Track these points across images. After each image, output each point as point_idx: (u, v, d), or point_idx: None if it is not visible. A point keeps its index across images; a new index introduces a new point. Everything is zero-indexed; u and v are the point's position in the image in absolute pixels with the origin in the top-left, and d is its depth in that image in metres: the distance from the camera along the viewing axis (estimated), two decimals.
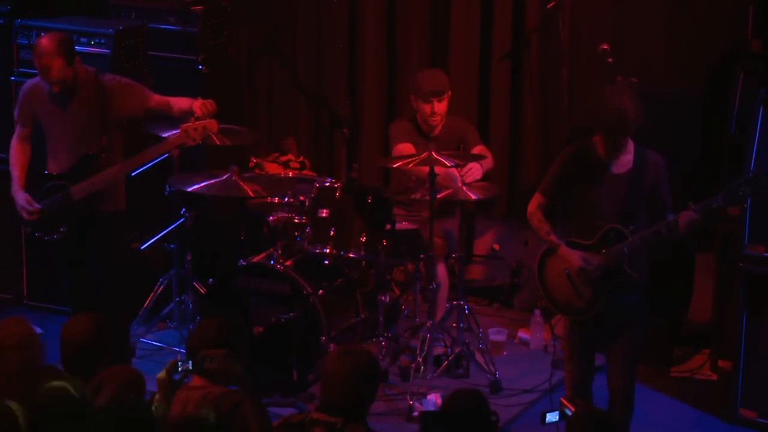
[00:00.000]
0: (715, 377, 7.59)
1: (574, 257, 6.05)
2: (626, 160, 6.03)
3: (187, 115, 7.01)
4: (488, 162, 7.87)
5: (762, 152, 6.86)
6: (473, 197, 7.56)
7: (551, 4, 8.21)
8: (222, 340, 5.21)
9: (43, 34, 7.54)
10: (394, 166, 7.57)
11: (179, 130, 6.97)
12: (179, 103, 7.10)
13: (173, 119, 7.15)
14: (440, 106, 7.86)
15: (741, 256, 7.00)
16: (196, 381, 5.19)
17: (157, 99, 7.12)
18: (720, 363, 7.54)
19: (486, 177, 7.83)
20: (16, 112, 7.26)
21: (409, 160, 7.41)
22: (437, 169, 7.33)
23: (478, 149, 7.92)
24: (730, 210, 7.17)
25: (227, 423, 4.94)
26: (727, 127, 7.61)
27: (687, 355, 7.84)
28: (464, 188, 7.58)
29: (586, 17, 8.36)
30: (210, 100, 7.06)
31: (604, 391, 6.23)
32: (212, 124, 6.99)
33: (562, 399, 5.58)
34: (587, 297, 6.07)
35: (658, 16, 8.22)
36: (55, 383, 4.59)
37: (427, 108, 7.85)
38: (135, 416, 4.48)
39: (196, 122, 6.94)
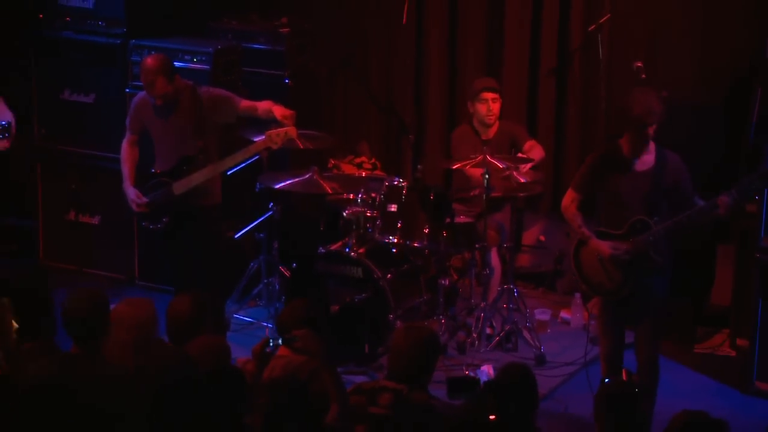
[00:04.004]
0: (733, 354, 7.54)
1: (603, 246, 6.04)
2: (648, 159, 6.01)
3: (270, 115, 7.06)
4: (538, 153, 7.82)
5: None
6: (522, 180, 7.43)
7: (592, 27, 8.17)
8: (308, 318, 5.22)
9: (153, 52, 7.65)
10: (453, 167, 7.60)
11: (264, 136, 7.04)
12: (262, 105, 7.10)
13: (261, 125, 7.17)
14: (494, 106, 7.82)
15: (757, 248, 6.95)
16: (282, 351, 5.20)
17: (244, 104, 7.13)
18: (738, 341, 7.49)
19: (538, 167, 7.78)
20: (127, 121, 7.31)
21: (466, 162, 7.42)
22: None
23: (528, 144, 7.90)
24: (748, 207, 7.14)
25: (306, 387, 5.01)
26: (746, 134, 7.54)
27: (709, 334, 7.78)
28: (515, 182, 7.47)
29: (622, 38, 8.31)
30: (290, 111, 7.12)
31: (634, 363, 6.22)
32: (292, 131, 7.01)
33: (624, 369, 5.58)
34: (618, 280, 6.06)
35: (686, 37, 8.16)
36: None
37: (482, 108, 7.82)
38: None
39: (279, 129, 6.98)
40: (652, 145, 6.01)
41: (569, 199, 6.20)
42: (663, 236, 5.98)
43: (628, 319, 6.24)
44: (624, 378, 5.46)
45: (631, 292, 6.07)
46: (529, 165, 7.61)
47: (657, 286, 6.10)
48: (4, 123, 6.90)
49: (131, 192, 7.19)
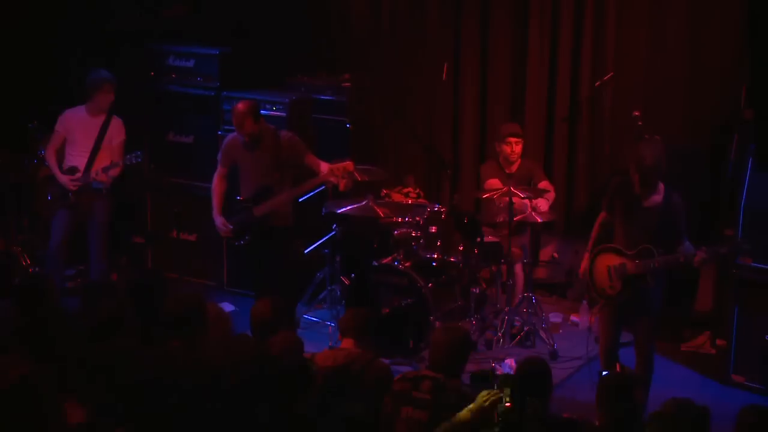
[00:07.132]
0: (714, 352, 7.47)
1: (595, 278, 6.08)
2: (656, 199, 5.96)
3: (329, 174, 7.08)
4: (551, 194, 7.84)
5: (751, 191, 6.78)
6: (539, 220, 7.57)
7: (598, 83, 8.17)
8: (365, 324, 5.26)
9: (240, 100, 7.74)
10: (483, 197, 7.62)
11: (327, 169, 7.07)
12: (324, 165, 7.10)
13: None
14: (517, 147, 7.81)
15: (734, 265, 6.90)
16: (344, 344, 5.23)
17: (309, 158, 7.14)
18: (718, 341, 7.43)
19: (550, 206, 7.80)
20: (219, 156, 7.36)
21: (494, 192, 7.46)
22: (516, 200, 7.39)
23: (543, 183, 7.88)
24: (726, 231, 7.11)
25: (362, 374, 5.03)
26: (725, 172, 7.51)
27: (693, 335, 7.71)
28: (533, 213, 7.59)
29: (624, 91, 8.25)
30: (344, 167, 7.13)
31: (632, 358, 6.21)
32: (349, 165, 7.06)
33: (618, 363, 5.53)
34: (617, 288, 6.06)
35: (676, 92, 8.11)
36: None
37: (507, 148, 7.81)
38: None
39: (338, 164, 7.04)
40: (661, 186, 5.96)
41: (599, 219, 6.23)
42: (662, 267, 5.93)
43: (626, 321, 6.21)
44: (618, 370, 5.44)
45: (626, 299, 6.05)
46: (547, 207, 7.62)
47: (653, 294, 6.07)
48: (139, 153, 7.49)
49: (218, 221, 7.27)
